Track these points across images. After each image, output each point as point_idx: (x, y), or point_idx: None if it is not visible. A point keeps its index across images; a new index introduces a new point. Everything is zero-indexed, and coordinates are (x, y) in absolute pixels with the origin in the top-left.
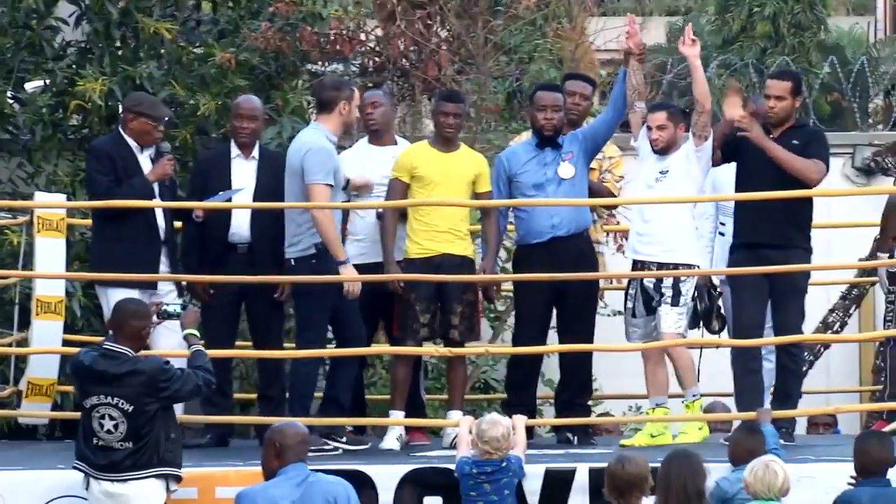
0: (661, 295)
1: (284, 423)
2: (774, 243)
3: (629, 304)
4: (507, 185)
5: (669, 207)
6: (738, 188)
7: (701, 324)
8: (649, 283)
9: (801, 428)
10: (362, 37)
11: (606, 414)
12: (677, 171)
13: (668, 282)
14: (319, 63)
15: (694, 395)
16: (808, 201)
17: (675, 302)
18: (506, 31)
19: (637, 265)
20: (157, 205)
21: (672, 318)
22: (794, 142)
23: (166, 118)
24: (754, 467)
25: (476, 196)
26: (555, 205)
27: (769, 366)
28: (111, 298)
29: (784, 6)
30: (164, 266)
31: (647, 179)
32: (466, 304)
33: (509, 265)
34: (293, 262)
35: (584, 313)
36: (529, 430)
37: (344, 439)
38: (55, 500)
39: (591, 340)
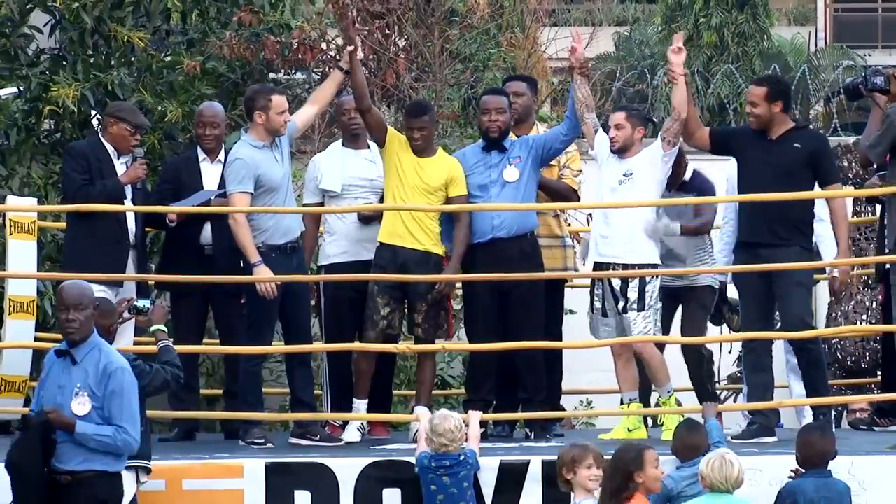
0: (627, 300)
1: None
2: (769, 242)
3: (598, 305)
4: None
5: (632, 210)
6: (740, 188)
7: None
8: (616, 284)
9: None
10: (323, 46)
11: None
12: (641, 174)
13: (633, 284)
14: (282, 71)
15: (668, 392)
16: (812, 202)
17: (640, 306)
18: (461, 41)
19: (600, 267)
20: (126, 209)
21: (640, 325)
22: (796, 144)
23: (144, 128)
24: (711, 459)
25: (448, 200)
26: (498, 209)
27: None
28: None
29: (729, 16)
30: (131, 269)
31: (610, 182)
32: (431, 302)
33: None
34: (242, 263)
35: (529, 314)
36: (512, 428)
37: (318, 437)
38: None
39: (540, 339)
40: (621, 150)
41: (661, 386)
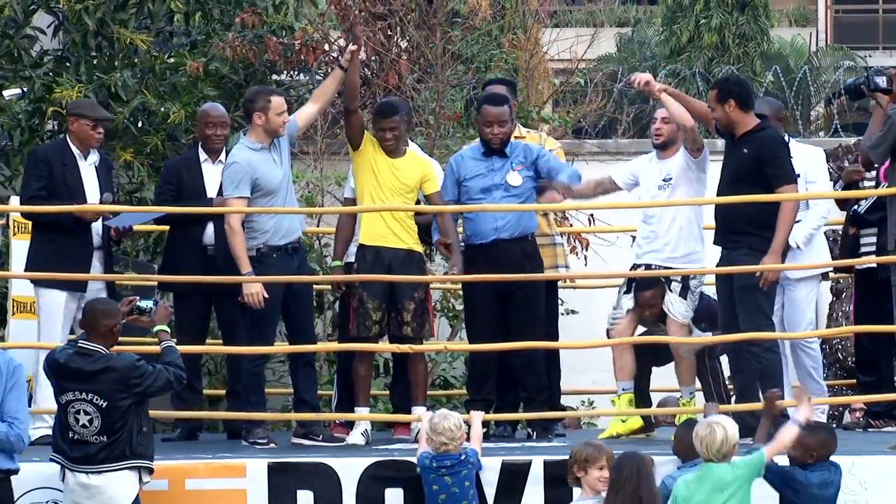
0: (670, 283)
1: None
2: (724, 245)
3: (623, 289)
4: (457, 188)
5: (675, 212)
6: None
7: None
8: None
9: None
10: (326, 47)
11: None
12: (680, 177)
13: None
14: (285, 73)
15: (691, 393)
16: (768, 204)
17: (683, 295)
18: (463, 42)
19: (641, 268)
20: (114, 208)
21: (680, 307)
22: (745, 150)
23: (105, 119)
24: (698, 428)
25: (427, 197)
26: (501, 210)
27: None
28: (42, 297)
29: (729, 18)
30: (97, 269)
31: (650, 187)
32: (418, 301)
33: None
34: None
35: (530, 314)
36: (514, 428)
37: (320, 437)
38: (32, 491)
39: (541, 340)
40: (664, 146)
41: (685, 386)
